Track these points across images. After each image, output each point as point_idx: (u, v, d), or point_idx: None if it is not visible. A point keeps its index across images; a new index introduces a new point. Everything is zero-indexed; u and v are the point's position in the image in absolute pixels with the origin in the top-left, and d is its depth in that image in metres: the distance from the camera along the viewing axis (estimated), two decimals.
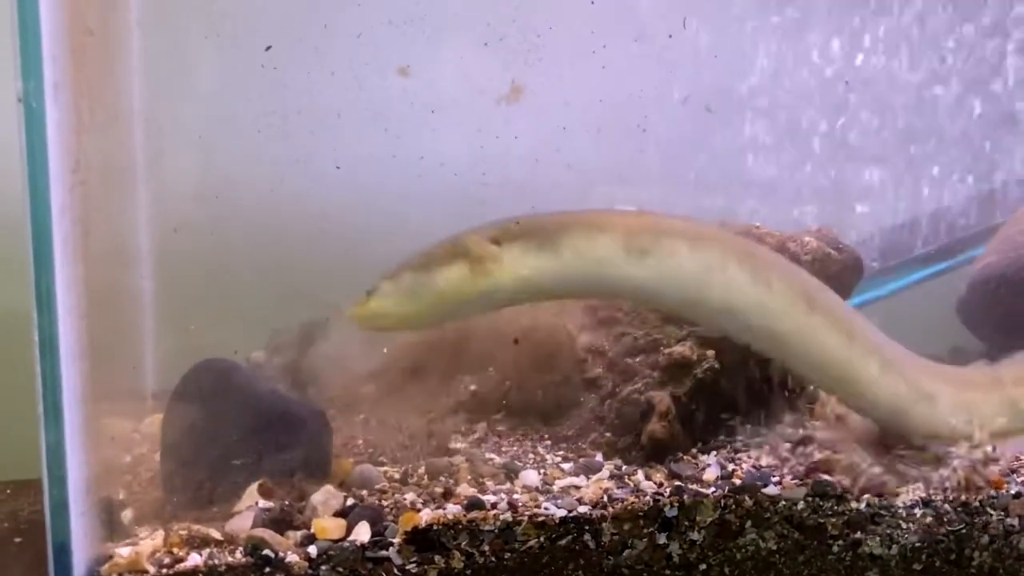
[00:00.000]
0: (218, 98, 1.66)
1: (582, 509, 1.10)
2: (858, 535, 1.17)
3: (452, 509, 1.09)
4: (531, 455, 1.30)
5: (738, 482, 1.19)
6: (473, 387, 1.41)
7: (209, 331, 1.48)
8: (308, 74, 1.62)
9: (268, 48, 1.37)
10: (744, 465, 1.24)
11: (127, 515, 1.13)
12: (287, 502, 1.08)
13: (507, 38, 1.47)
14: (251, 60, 1.65)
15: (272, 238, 1.59)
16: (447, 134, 1.54)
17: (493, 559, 1.06)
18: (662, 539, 1.11)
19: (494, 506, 1.11)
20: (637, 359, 1.33)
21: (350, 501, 1.10)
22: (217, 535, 1.03)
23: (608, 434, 1.30)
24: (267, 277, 1.57)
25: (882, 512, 1.18)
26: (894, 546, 1.18)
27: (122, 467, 1.31)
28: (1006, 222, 1.83)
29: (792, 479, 1.21)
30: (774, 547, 1.14)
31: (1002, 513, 1.21)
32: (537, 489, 1.18)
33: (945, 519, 1.20)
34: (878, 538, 1.18)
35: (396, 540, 1.04)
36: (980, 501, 1.21)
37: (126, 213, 1.53)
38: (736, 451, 1.30)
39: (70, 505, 0.99)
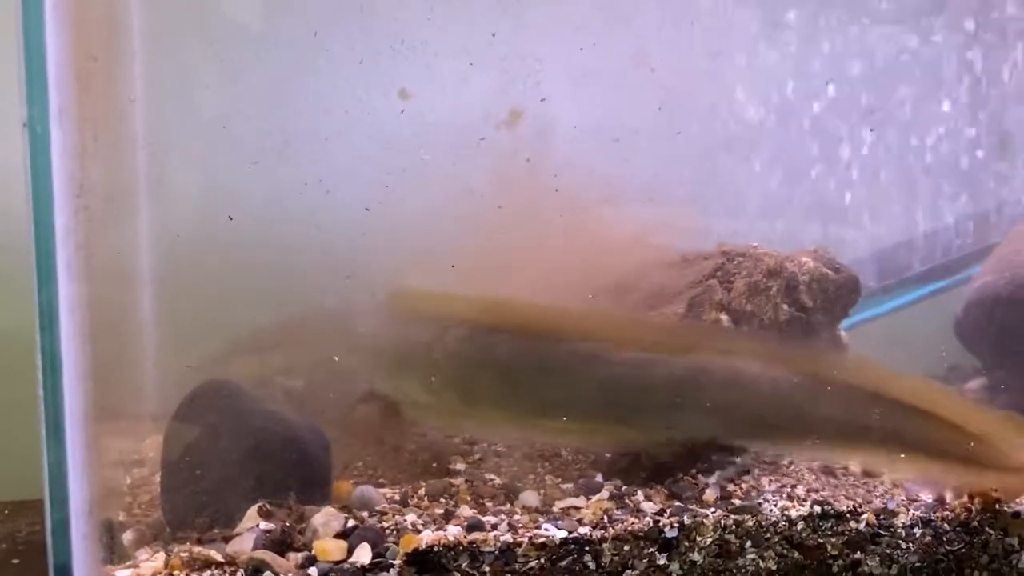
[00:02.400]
0: (220, 122, 1.67)
1: (582, 530, 1.10)
2: (858, 555, 1.17)
3: (453, 530, 1.09)
4: (531, 476, 1.30)
5: (738, 502, 1.20)
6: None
7: (210, 351, 1.49)
8: (309, 97, 1.63)
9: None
10: (744, 485, 1.24)
11: (127, 537, 1.13)
12: (288, 524, 1.08)
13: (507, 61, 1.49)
14: (253, 85, 1.67)
15: (274, 259, 1.60)
16: (450, 157, 1.55)
17: None
18: (662, 560, 1.11)
19: (494, 527, 1.11)
20: None
21: (351, 523, 1.10)
22: (218, 557, 1.03)
23: (608, 455, 1.30)
24: (269, 298, 1.58)
25: (882, 532, 1.18)
26: (894, 566, 1.18)
27: (122, 489, 1.31)
28: (1001, 242, 1.84)
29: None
30: (774, 567, 1.15)
31: (1001, 533, 1.22)
32: (537, 510, 1.18)
33: (945, 539, 1.20)
34: (878, 558, 1.18)
35: (397, 562, 1.04)
36: (979, 521, 1.21)
37: (129, 235, 1.53)
38: (741, 472, 1.30)
39: (71, 526, 0.99)
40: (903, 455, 1.25)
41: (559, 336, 1.20)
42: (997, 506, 1.22)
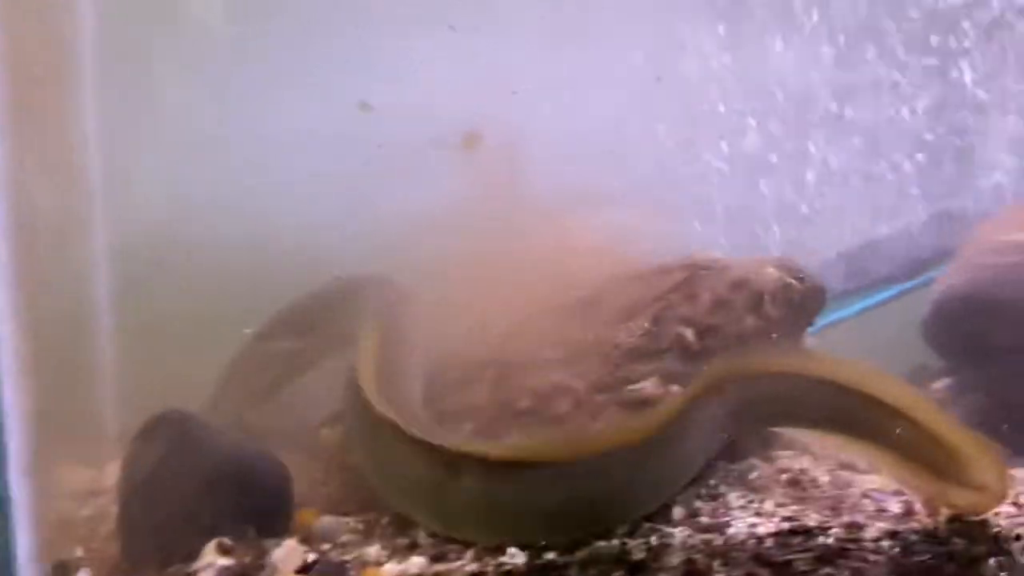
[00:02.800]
0: (179, 132, 1.64)
1: (548, 555, 1.08)
2: (827, 570, 1.17)
3: (416, 561, 1.07)
4: None
5: (705, 520, 1.19)
6: None
7: (172, 372, 1.46)
8: (274, 107, 1.61)
9: None
10: (711, 504, 1.24)
11: (84, 575, 1.10)
12: (247, 559, 1.06)
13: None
14: (212, 97, 1.64)
15: (235, 278, 1.57)
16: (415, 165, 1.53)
17: None
18: None
19: (459, 557, 1.09)
20: (604, 396, 1.32)
21: (311, 556, 1.07)
22: None
23: None
24: (231, 318, 1.55)
25: (850, 546, 1.18)
26: None
27: (80, 520, 1.28)
28: (967, 242, 1.85)
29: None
30: None
31: (967, 541, 1.22)
32: None
33: (913, 550, 1.20)
34: (847, 572, 1.17)
35: None
36: (947, 531, 1.21)
37: (82, 259, 1.50)
38: (711, 488, 1.29)
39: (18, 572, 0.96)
40: (880, 450, 1.25)
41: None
42: (963, 516, 1.22)
